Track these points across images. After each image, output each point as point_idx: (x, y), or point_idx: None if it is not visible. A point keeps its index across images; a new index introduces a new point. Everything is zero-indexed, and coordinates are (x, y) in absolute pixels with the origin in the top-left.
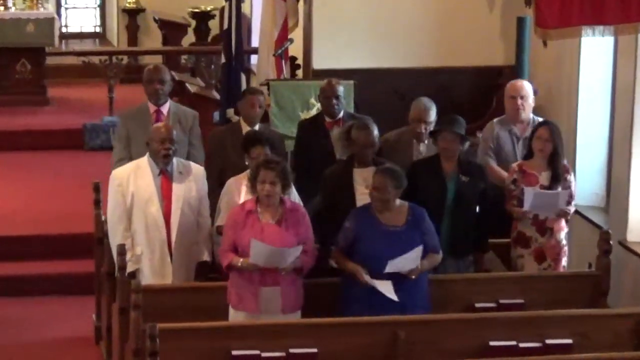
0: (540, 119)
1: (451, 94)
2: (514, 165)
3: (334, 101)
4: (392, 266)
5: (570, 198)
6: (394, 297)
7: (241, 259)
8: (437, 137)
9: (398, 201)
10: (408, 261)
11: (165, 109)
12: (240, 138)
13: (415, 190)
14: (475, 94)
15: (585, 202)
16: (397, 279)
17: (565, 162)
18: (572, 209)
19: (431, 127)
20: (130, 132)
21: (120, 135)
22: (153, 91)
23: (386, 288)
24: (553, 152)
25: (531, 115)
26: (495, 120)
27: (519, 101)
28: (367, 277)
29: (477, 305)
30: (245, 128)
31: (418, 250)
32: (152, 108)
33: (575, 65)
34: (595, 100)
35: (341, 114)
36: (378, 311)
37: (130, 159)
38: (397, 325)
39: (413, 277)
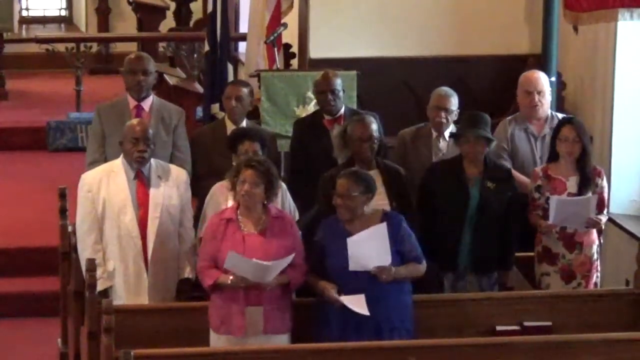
0: (560, 115)
1: (469, 86)
2: (538, 169)
3: (330, 97)
4: (353, 245)
5: (602, 206)
6: (365, 312)
7: (231, 277)
8: (459, 140)
9: (369, 208)
10: (369, 241)
11: (147, 104)
12: (224, 138)
13: (433, 196)
14: (496, 86)
15: (621, 209)
16: (370, 292)
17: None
18: (604, 218)
19: (452, 118)
20: (106, 130)
21: (95, 131)
22: (135, 83)
23: (357, 303)
24: (581, 153)
25: (549, 111)
26: (508, 118)
27: (536, 97)
28: (333, 293)
29: (499, 328)
30: (231, 127)
31: (382, 227)
32: (132, 103)
33: (610, 54)
34: (633, 94)
35: (342, 111)
36: (351, 336)
37: (105, 161)
38: (407, 350)
39: (384, 277)
